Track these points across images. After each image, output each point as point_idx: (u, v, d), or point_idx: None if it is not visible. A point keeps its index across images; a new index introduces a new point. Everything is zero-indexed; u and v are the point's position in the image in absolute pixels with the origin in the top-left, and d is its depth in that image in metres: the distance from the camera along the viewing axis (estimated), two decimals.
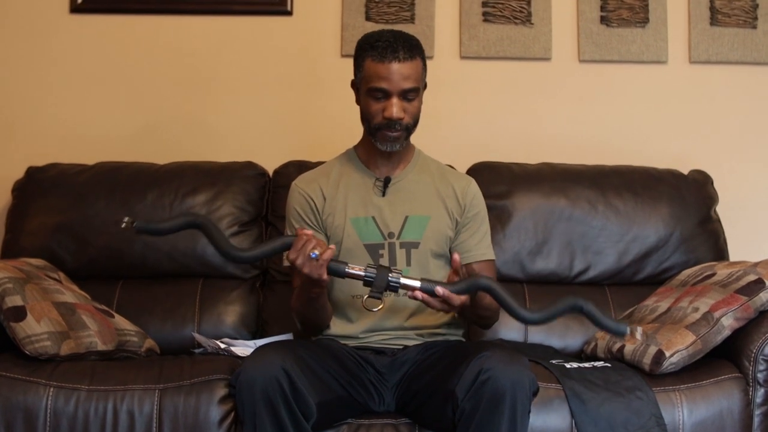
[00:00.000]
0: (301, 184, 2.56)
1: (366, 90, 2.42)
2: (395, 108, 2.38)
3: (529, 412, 2.12)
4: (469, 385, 2.07)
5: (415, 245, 2.47)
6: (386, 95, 2.39)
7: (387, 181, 2.50)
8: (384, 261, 2.45)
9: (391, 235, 2.47)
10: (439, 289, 2.12)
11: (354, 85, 2.51)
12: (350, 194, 2.51)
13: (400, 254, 2.46)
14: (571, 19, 3.40)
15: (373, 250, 2.47)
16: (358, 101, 2.50)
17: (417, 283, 2.16)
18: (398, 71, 2.37)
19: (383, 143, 2.44)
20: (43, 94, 3.40)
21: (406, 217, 2.48)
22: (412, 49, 2.41)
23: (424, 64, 2.47)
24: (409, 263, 2.45)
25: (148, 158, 3.18)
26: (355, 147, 2.60)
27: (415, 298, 2.16)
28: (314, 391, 2.14)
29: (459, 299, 2.15)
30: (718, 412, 2.36)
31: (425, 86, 2.50)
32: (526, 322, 2.18)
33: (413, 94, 2.40)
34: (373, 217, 2.48)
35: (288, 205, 2.56)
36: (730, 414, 2.36)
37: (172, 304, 2.93)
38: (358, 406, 2.34)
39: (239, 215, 3.04)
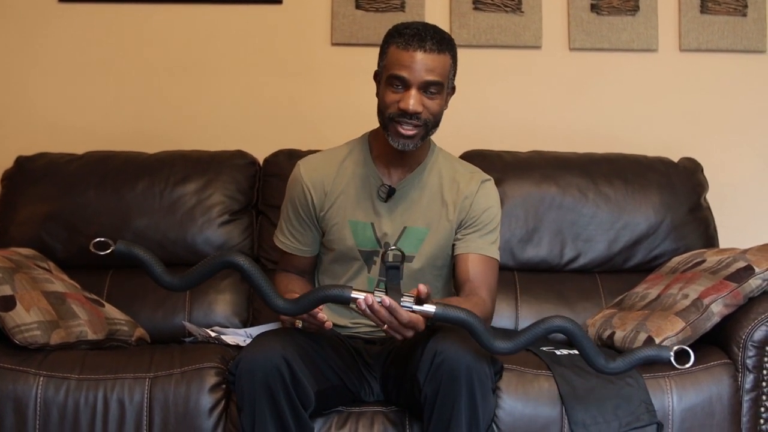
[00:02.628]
0: (305, 172, 2.43)
1: (386, 78, 2.27)
2: (412, 100, 2.22)
3: (494, 390, 2.10)
4: (427, 369, 2.05)
5: (409, 259, 2.38)
6: (405, 85, 2.24)
7: (391, 192, 2.39)
8: (376, 269, 2.39)
9: (386, 245, 2.38)
10: (386, 300, 1.95)
11: (376, 76, 2.36)
12: (352, 194, 2.40)
13: None
14: (561, 8, 3.40)
15: (367, 256, 2.40)
16: (378, 93, 2.34)
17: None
18: (422, 61, 2.22)
19: (396, 139, 2.29)
20: (32, 83, 3.38)
21: (404, 228, 2.39)
22: (442, 42, 2.26)
23: (455, 64, 2.32)
24: (401, 276, 2.32)
25: (138, 147, 3.17)
26: (371, 136, 2.46)
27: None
28: (313, 379, 2.14)
29: (406, 316, 1.98)
30: (707, 398, 2.37)
31: (453, 90, 2.37)
32: (496, 351, 1.99)
33: (435, 89, 2.25)
34: (372, 224, 2.39)
35: (288, 189, 2.47)
36: (719, 400, 2.37)
37: (163, 293, 2.90)
38: (350, 395, 2.34)
39: (229, 204, 3.03)
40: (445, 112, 3.32)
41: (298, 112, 3.37)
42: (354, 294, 1.96)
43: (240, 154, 3.14)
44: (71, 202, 3.00)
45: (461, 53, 3.34)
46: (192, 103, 3.38)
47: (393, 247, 2.05)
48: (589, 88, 3.41)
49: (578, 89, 3.41)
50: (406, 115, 2.25)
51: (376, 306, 1.96)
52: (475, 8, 3.37)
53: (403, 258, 2.02)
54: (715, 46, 3.39)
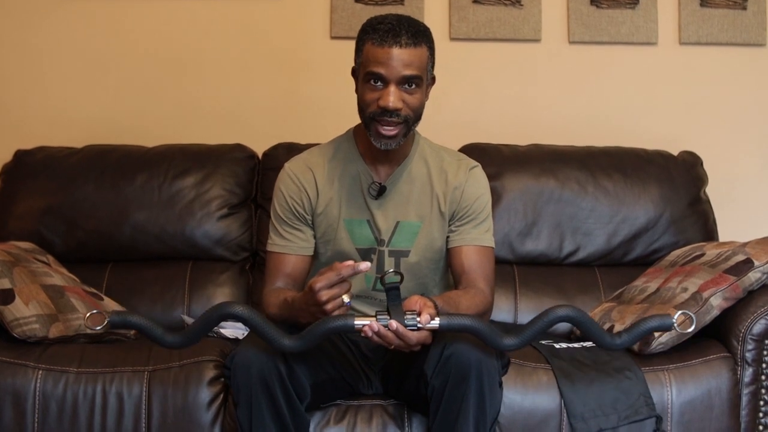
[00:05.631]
0: (294, 169, 2.39)
1: (363, 75, 2.23)
2: (392, 97, 2.18)
3: (500, 385, 2.10)
4: (435, 362, 2.04)
5: (405, 254, 2.37)
6: (384, 83, 2.20)
7: (382, 190, 2.35)
8: (373, 267, 2.35)
9: (381, 242, 2.36)
10: (393, 324, 1.94)
11: (354, 72, 2.32)
12: (344, 192, 2.36)
13: (389, 262, 2.36)
14: (560, 1, 3.39)
15: (365, 254, 2.36)
16: (357, 90, 2.30)
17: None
18: (398, 57, 2.17)
19: (378, 140, 2.25)
20: (31, 77, 3.38)
21: (397, 223, 2.36)
22: (418, 35, 2.21)
23: (432, 55, 2.28)
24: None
25: (137, 141, 3.18)
26: (355, 132, 2.42)
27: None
28: (308, 372, 2.13)
29: (415, 338, 1.97)
30: (706, 391, 2.37)
31: (433, 80, 2.33)
32: (504, 348, 2.02)
33: (414, 83, 2.21)
34: (368, 221, 2.36)
35: (277, 190, 2.40)
36: (718, 393, 2.37)
37: (162, 286, 2.93)
38: (348, 388, 2.34)
39: (228, 198, 3.03)
40: (443, 106, 3.36)
41: (297, 105, 3.37)
42: (357, 322, 1.95)
43: (239, 148, 3.14)
44: (70, 196, 3.00)
45: (460, 47, 3.40)
46: (191, 96, 3.38)
47: (391, 270, 2.03)
48: (588, 81, 3.41)
49: (578, 83, 3.41)
50: (387, 112, 2.20)
51: (383, 331, 1.96)
52: (475, 1, 3.36)
53: (402, 279, 2.01)
54: (714, 39, 3.38)
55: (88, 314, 1.93)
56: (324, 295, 2.01)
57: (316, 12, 3.38)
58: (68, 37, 3.38)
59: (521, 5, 3.36)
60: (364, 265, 1.98)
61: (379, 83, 2.21)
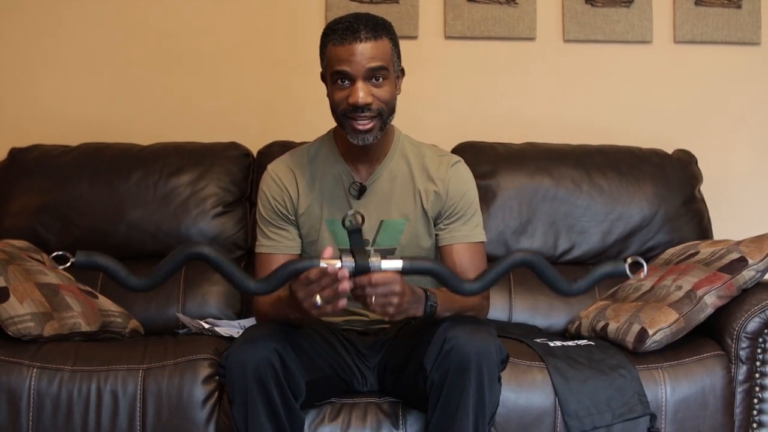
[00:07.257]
0: (276, 170, 2.40)
1: (330, 77, 2.23)
2: (361, 93, 2.17)
3: (499, 380, 2.10)
4: (435, 356, 2.04)
5: (391, 252, 2.35)
6: (350, 80, 2.19)
7: (362, 190, 2.35)
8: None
9: (365, 242, 2.33)
10: (346, 270, 1.94)
11: (323, 78, 2.31)
12: (325, 192, 2.36)
13: None
14: None
15: (347, 255, 2.38)
16: (327, 94, 2.29)
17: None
18: (361, 52, 2.16)
19: (354, 136, 2.23)
20: (26, 75, 3.37)
21: (381, 222, 2.36)
22: (377, 28, 2.20)
23: (396, 47, 2.26)
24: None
25: (132, 139, 3.17)
26: (335, 132, 2.41)
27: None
28: (304, 370, 2.14)
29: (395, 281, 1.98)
30: (700, 389, 2.37)
31: (403, 73, 2.32)
32: (466, 293, 2.01)
33: (381, 74, 2.20)
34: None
35: (260, 192, 2.40)
36: (712, 391, 2.38)
37: None
38: (342, 386, 2.34)
39: (223, 196, 3.03)
40: (438, 104, 3.36)
41: (292, 104, 3.36)
42: (323, 264, 1.95)
43: (234, 146, 3.14)
44: (65, 194, 3.00)
45: (455, 45, 3.40)
46: (186, 94, 3.37)
47: (351, 212, 2.04)
48: (583, 79, 3.41)
49: (572, 81, 3.41)
50: (358, 108, 2.20)
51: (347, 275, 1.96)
52: (470, 0, 3.36)
53: (363, 220, 2.03)
54: (709, 38, 3.39)
55: (53, 255, 1.89)
56: (300, 292, 2.01)
57: (311, 10, 3.38)
58: (63, 35, 3.37)
59: (516, 3, 3.36)
60: (331, 268, 1.95)
61: (346, 81, 2.20)
